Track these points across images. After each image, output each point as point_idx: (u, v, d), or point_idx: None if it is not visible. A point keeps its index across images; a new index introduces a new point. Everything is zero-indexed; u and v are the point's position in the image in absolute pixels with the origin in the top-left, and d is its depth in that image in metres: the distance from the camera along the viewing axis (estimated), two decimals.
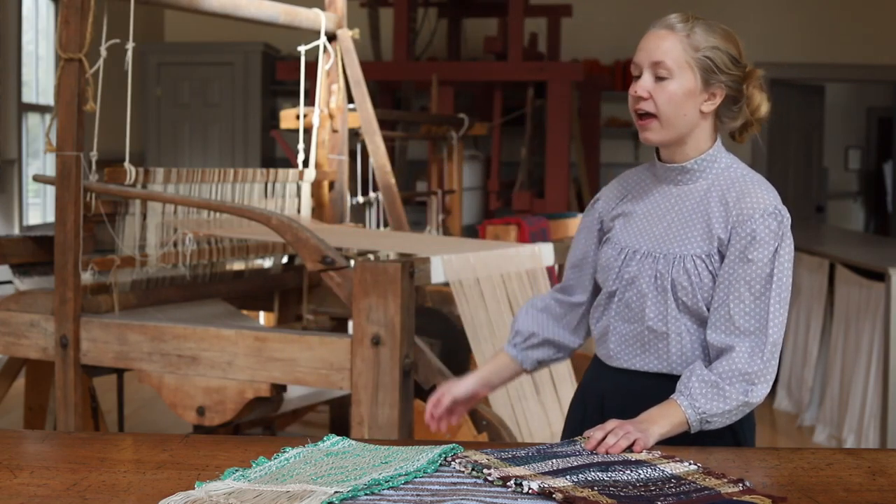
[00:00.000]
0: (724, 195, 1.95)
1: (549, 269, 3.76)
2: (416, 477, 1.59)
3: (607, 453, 1.75)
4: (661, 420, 1.83)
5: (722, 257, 1.92)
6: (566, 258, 2.20)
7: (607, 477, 1.59)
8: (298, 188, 3.98)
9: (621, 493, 1.51)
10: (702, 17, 1.96)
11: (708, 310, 1.91)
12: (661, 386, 1.93)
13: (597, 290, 2.10)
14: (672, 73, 1.92)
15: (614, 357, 2.00)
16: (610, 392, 2.00)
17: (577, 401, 2.13)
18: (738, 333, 1.87)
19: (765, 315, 1.88)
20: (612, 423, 1.81)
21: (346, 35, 4.13)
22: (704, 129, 1.97)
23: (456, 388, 2.12)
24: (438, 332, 3.90)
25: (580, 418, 2.06)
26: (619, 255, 2.00)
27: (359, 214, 4.76)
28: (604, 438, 1.78)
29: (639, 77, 1.95)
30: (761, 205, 1.92)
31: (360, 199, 4.81)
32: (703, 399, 1.84)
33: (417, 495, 1.52)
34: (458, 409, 2.12)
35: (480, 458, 1.67)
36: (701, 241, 1.93)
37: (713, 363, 1.89)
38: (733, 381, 1.86)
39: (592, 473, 1.60)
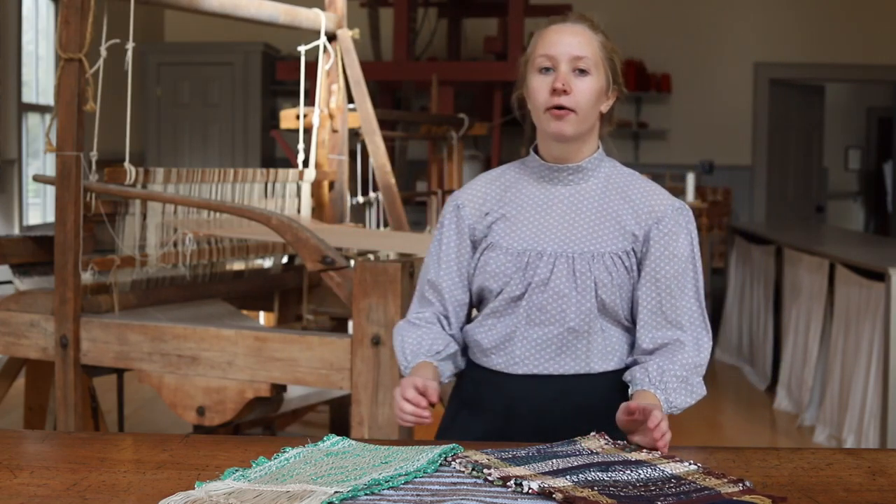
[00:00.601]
0: (625, 193, 1.97)
1: None
2: (416, 477, 1.59)
3: (652, 448, 1.71)
4: None
5: (636, 254, 1.94)
6: (427, 276, 2.06)
7: (607, 477, 1.59)
8: (298, 188, 3.98)
9: (621, 493, 1.51)
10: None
11: (622, 307, 1.93)
12: (578, 387, 1.93)
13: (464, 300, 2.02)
14: (590, 70, 1.92)
15: (521, 363, 1.94)
16: (519, 400, 1.94)
17: (465, 415, 2.02)
18: (677, 327, 1.92)
19: (697, 304, 1.94)
20: (660, 412, 1.75)
21: (346, 35, 4.13)
22: (596, 129, 1.99)
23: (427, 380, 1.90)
24: None
25: (479, 432, 1.95)
26: (519, 258, 1.93)
27: (359, 214, 4.76)
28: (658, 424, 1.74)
29: (549, 70, 1.92)
30: (668, 201, 1.97)
31: (360, 199, 4.81)
32: (675, 394, 1.88)
33: (417, 495, 1.51)
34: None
35: (480, 458, 1.67)
36: (615, 238, 1.93)
37: (668, 356, 1.91)
38: (695, 374, 1.91)
39: (592, 473, 1.60)
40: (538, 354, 1.93)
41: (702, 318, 1.95)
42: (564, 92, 1.89)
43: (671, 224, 1.94)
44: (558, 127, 1.91)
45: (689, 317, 1.93)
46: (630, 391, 1.91)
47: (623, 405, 1.76)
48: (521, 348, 1.94)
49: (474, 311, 2.07)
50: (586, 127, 1.94)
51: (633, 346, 1.98)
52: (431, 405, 1.86)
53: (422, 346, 1.99)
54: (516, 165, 2.07)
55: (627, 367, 1.97)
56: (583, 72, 1.91)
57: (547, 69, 1.92)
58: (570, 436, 1.88)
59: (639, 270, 1.94)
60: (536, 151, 2.02)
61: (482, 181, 2.07)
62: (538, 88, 1.93)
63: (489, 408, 1.98)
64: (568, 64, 1.91)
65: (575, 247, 1.92)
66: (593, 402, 1.93)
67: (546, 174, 2.00)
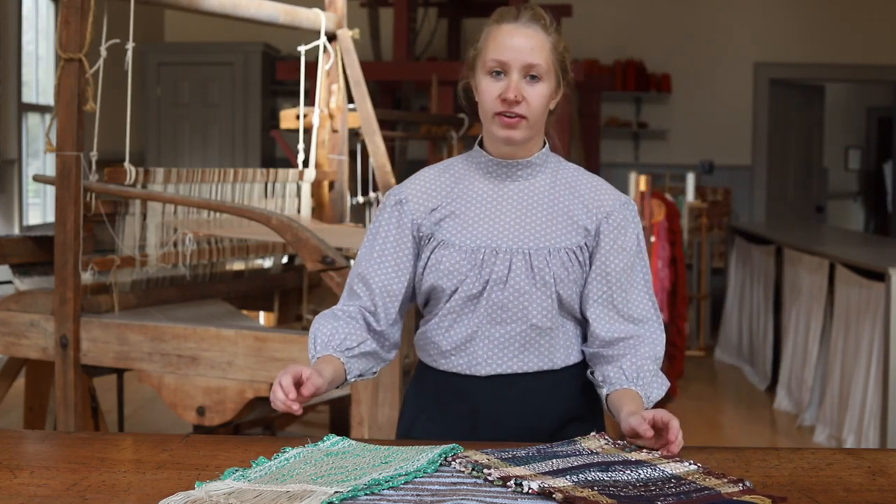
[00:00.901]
0: (573, 188, 1.96)
1: None
2: (416, 477, 1.59)
3: (667, 452, 1.71)
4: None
5: (588, 248, 1.93)
6: (358, 269, 1.98)
7: (607, 477, 1.59)
8: (298, 188, 3.98)
9: (621, 493, 1.51)
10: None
11: (576, 301, 1.92)
12: (542, 384, 1.93)
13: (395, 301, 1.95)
14: (542, 76, 1.89)
15: (484, 364, 1.91)
16: (484, 402, 1.92)
17: (424, 420, 1.98)
18: (632, 321, 1.93)
19: (648, 297, 1.95)
20: (677, 422, 1.73)
21: (346, 35, 4.13)
22: (543, 125, 1.97)
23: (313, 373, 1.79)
24: None
25: (442, 437, 1.88)
26: (473, 255, 1.89)
27: (359, 214, 4.76)
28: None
29: (499, 74, 1.88)
30: (615, 195, 1.97)
31: (360, 199, 4.81)
32: (650, 388, 1.90)
33: (417, 495, 1.51)
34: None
35: (480, 458, 1.67)
36: (569, 233, 1.92)
37: (633, 351, 1.91)
38: (658, 367, 1.93)
39: (592, 473, 1.60)
40: (501, 353, 1.91)
41: (654, 311, 1.97)
42: (516, 101, 1.87)
43: (619, 218, 1.94)
44: (508, 134, 1.89)
45: (642, 310, 1.94)
46: (605, 391, 1.91)
47: (639, 420, 1.72)
48: (483, 348, 1.91)
49: (427, 313, 2.01)
50: (535, 130, 1.93)
51: (584, 338, 1.98)
52: (306, 398, 1.77)
53: (333, 339, 1.91)
54: (462, 159, 2.02)
55: (585, 360, 1.97)
56: (534, 77, 1.88)
57: (498, 73, 1.88)
58: (536, 434, 1.89)
59: (590, 265, 1.94)
60: (482, 145, 1.99)
61: (427, 175, 2.01)
62: (488, 91, 1.89)
63: (451, 412, 1.95)
64: (520, 72, 1.87)
65: (530, 243, 1.90)
66: (558, 398, 1.94)
67: (494, 169, 1.97)
